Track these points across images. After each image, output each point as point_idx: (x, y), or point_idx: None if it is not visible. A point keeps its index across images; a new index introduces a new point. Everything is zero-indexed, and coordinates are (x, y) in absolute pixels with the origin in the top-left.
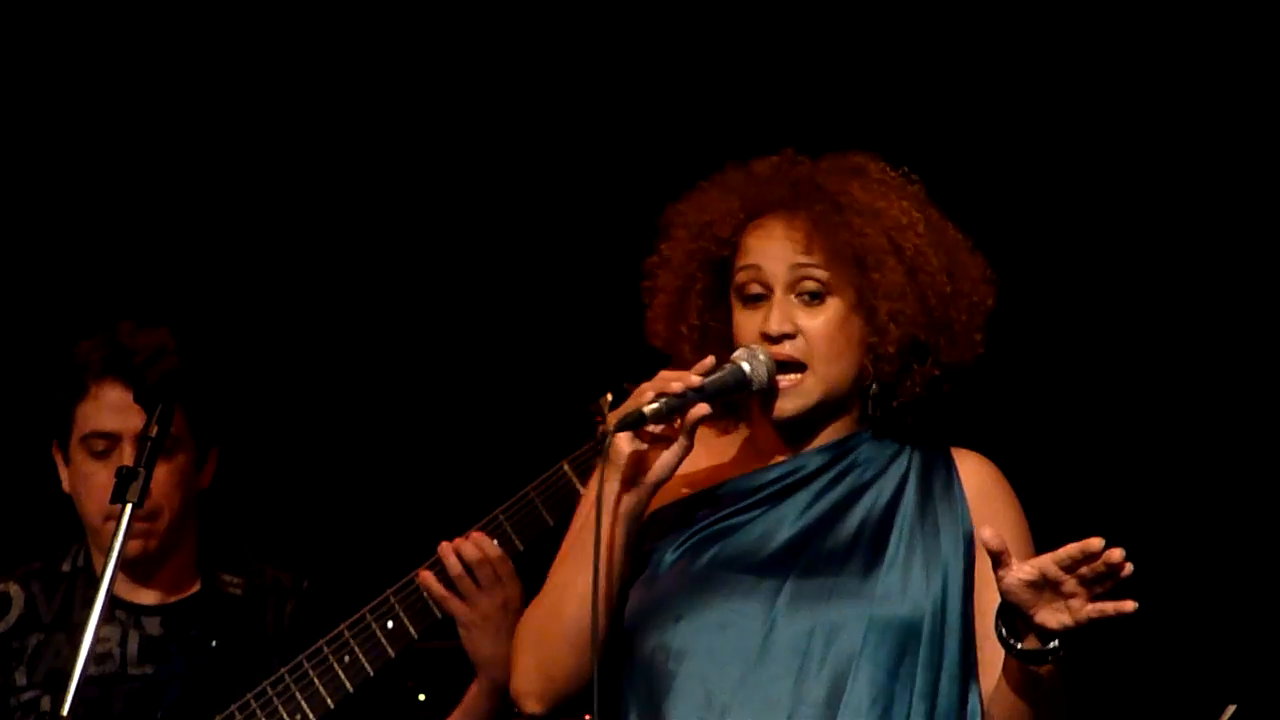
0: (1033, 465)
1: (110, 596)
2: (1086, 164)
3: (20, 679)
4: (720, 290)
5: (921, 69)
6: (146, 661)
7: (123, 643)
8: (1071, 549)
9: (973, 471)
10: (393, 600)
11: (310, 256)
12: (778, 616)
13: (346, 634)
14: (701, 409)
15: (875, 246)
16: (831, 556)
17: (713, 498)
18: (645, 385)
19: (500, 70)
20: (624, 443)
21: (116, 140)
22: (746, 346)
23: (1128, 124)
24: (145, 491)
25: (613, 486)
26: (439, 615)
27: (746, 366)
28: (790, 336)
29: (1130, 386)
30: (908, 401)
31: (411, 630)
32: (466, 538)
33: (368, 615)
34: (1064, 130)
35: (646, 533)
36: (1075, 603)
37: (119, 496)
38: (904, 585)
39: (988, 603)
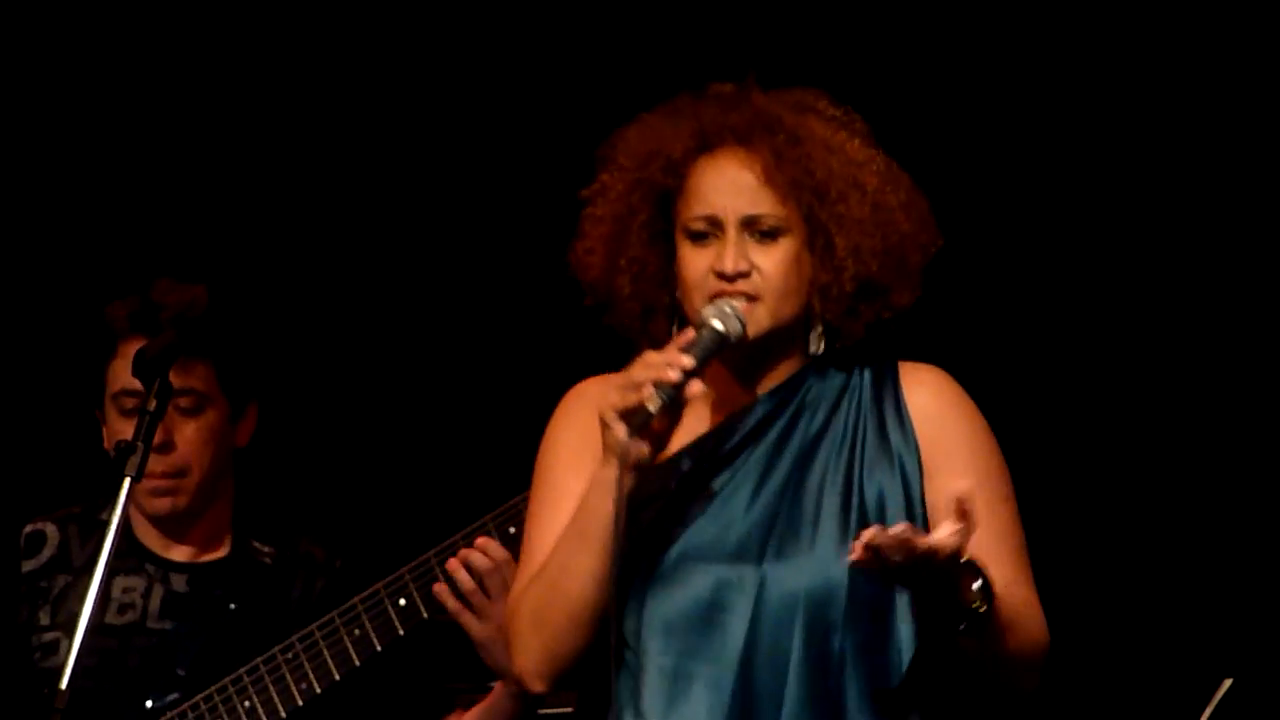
0: (1028, 451)
1: (113, 556)
2: (1077, 149)
3: (44, 618)
4: (660, 225)
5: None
6: (167, 617)
7: (146, 594)
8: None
9: (917, 385)
10: (407, 578)
11: (358, 227)
12: (764, 603)
13: (359, 607)
14: (697, 386)
15: (840, 177)
16: (803, 517)
17: (670, 471)
18: (635, 373)
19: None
20: (633, 442)
21: (147, 95)
22: (712, 303)
23: (1103, 101)
24: (143, 466)
25: (627, 482)
26: None
27: (719, 324)
28: (745, 275)
29: (1122, 372)
30: (849, 345)
31: (423, 610)
32: (473, 547)
33: (381, 590)
34: (1047, 106)
35: None
36: None
37: (117, 470)
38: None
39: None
